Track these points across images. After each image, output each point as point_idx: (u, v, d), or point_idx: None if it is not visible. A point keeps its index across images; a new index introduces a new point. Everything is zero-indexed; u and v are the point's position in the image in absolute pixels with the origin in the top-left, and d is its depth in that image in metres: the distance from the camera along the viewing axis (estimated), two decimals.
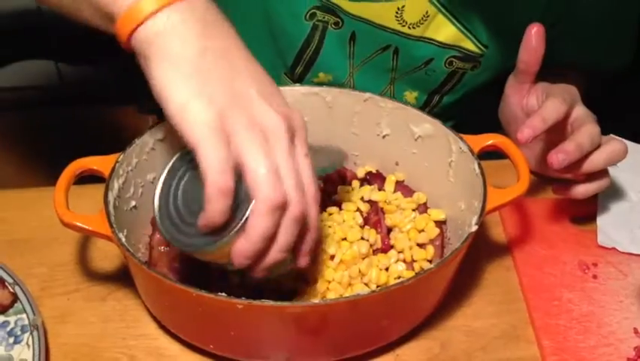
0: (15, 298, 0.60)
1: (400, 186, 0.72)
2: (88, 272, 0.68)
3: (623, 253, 0.70)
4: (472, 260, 0.66)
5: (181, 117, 0.48)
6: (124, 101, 1.39)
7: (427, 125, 0.68)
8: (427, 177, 0.70)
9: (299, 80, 0.86)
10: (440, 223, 0.68)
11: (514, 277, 0.69)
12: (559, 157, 0.64)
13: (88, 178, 0.62)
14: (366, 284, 0.62)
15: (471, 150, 0.64)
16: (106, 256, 0.69)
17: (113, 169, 0.61)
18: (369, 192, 0.71)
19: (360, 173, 0.74)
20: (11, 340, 0.58)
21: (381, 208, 0.70)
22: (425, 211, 0.69)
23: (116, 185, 0.61)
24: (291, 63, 0.85)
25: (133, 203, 0.63)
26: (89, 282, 0.67)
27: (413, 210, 0.69)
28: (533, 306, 0.65)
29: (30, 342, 0.57)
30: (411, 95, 0.87)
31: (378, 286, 0.62)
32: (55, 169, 0.61)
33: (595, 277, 0.68)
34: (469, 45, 0.79)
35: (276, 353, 0.59)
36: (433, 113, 0.84)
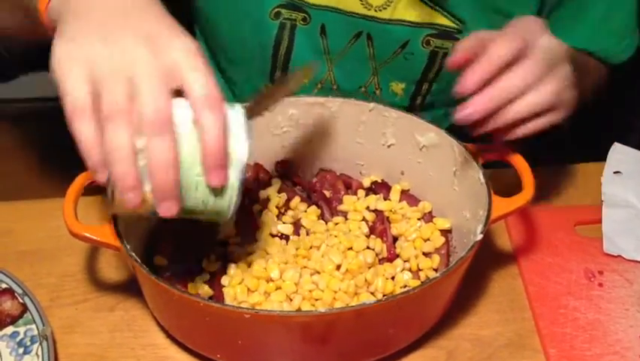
0: (24, 309, 0.61)
1: (405, 195, 0.72)
2: (96, 282, 0.69)
3: (629, 260, 0.70)
4: (477, 269, 0.66)
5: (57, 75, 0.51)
6: None
7: (432, 135, 0.68)
8: (432, 186, 0.70)
9: None
10: (446, 232, 0.68)
11: (520, 286, 0.69)
12: (465, 112, 0.58)
13: (96, 189, 0.63)
14: (372, 293, 0.63)
15: (475, 159, 0.64)
16: (114, 266, 0.69)
17: None
18: (375, 201, 0.71)
19: (366, 182, 0.74)
20: (21, 350, 0.58)
21: (387, 217, 0.70)
22: (430, 220, 0.70)
23: None
24: (270, 68, 0.83)
25: None
26: (97, 292, 0.68)
27: (418, 219, 0.70)
28: (539, 314, 0.65)
29: (39, 352, 0.58)
30: (398, 87, 0.83)
31: (384, 296, 0.62)
32: (64, 180, 0.62)
33: (601, 285, 0.68)
34: (443, 20, 0.76)
35: None
36: (425, 104, 0.81)
